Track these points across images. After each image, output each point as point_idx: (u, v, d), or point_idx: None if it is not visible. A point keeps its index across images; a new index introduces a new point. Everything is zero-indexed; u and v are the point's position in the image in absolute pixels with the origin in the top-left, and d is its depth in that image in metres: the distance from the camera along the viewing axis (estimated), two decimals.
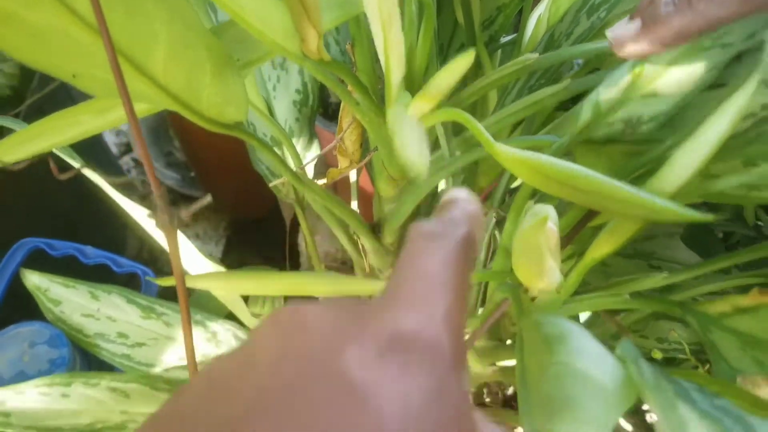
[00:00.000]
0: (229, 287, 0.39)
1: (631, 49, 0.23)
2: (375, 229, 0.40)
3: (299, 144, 0.43)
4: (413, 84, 0.30)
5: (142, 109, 0.28)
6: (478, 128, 0.25)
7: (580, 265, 0.26)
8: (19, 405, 0.45)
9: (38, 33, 0.21)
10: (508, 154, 0.23)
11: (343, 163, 0.41)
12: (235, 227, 1.01)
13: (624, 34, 0.23)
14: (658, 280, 0.29)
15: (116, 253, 0.63)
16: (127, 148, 1.16)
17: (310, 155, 0.44)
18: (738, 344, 0.25)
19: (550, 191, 0.25)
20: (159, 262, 0.90)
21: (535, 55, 0.29)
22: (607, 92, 0.24)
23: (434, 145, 0.36)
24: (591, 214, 0.30)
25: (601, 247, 0.25)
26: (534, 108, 0.30)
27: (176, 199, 0.96)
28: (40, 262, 0.61)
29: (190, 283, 0.39)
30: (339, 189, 0.77)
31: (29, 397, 0.45)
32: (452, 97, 0.34)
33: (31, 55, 0.21)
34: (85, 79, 0.23)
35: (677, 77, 0.24)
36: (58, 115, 0.26)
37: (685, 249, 0.38)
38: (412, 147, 0.27)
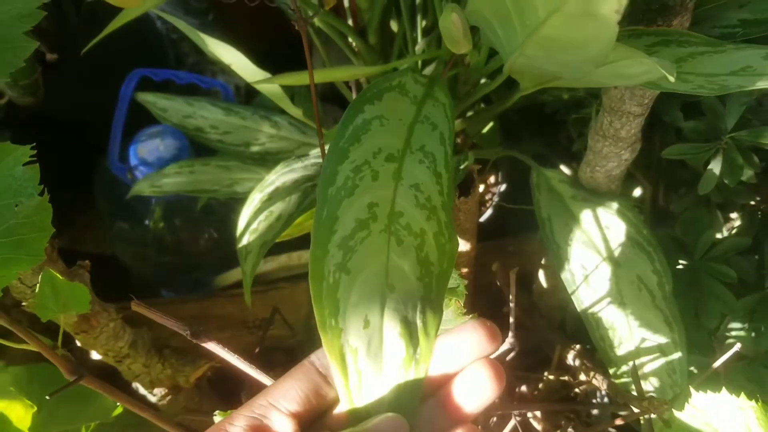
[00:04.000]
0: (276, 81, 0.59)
1: None
2: (361, 33, 0.57)
3: None
4: None
5: None
6: None
7: None
8: (167, 180, 0.72)
9: None
10: None
11: None
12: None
13: None
14: None
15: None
16: None
17: None
18: None
19: None
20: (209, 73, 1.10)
21: None
22: None
23: None
24: None
25: None
26: None
27: None
28: (147, 85, 0.84)
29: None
30: None
31: (170, 177, 0.72)
32: None
33: None
34: None
35: None
36: None
37: None
38: None
